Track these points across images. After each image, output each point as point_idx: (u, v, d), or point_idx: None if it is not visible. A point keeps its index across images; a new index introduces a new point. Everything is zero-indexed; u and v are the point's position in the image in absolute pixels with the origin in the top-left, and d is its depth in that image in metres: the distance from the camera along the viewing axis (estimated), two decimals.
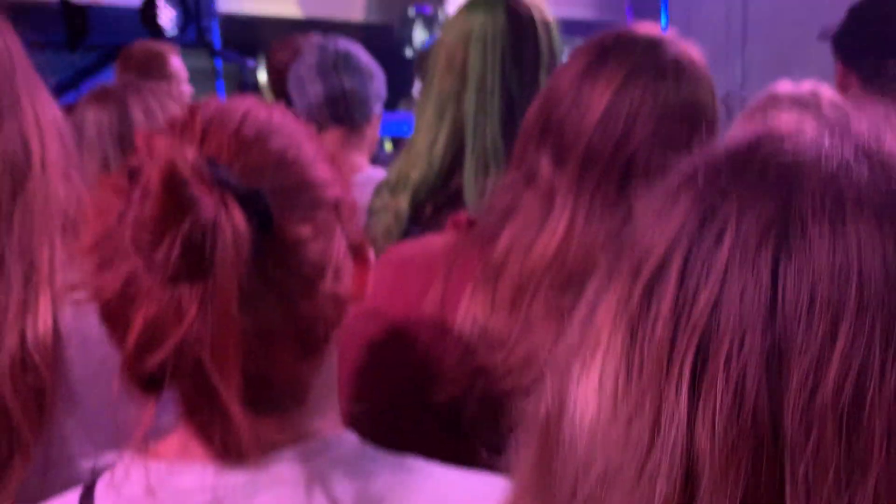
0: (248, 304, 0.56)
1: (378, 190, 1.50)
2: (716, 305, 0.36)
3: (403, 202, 1.36)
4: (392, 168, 1.44)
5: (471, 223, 0.97)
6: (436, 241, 1.00)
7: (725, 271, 0.36)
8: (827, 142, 0.39)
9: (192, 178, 0.54)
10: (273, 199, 0.59)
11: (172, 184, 0.53)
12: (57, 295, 0.80)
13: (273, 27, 8.35)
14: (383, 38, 7.94)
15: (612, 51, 0.92)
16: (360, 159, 1.88)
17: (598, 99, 0.89)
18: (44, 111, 0.87)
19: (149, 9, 4.45)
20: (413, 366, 0.92)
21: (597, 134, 0.88)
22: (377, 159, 2.10)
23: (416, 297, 0.94)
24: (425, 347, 0.91)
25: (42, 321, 0.79)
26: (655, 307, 0.37)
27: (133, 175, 0.57)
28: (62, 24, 5.89)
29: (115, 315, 0.59)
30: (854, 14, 1.55)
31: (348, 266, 0.65)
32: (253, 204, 0.57)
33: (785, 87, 1.17)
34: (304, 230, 0.61)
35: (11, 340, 0.77)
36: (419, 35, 5.77)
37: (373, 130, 1.89)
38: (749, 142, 0.41)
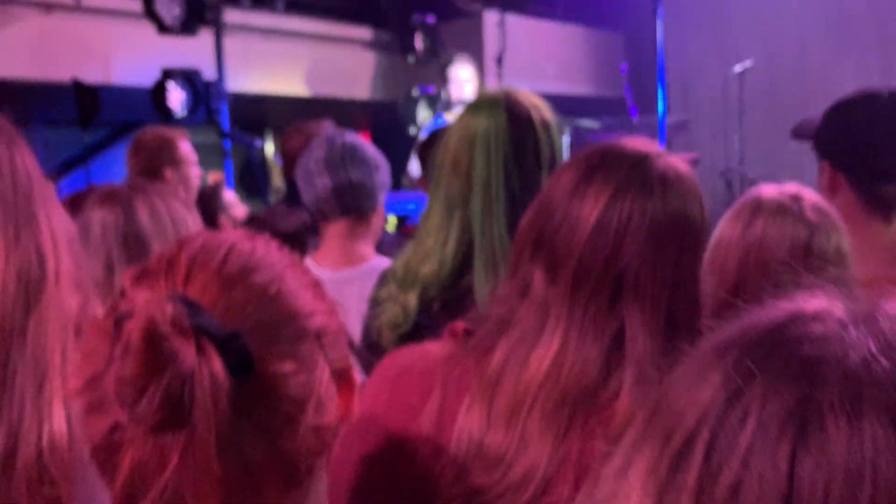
0: (229, 446, 0.58)
1: (383, 280, 1.51)
2: (737, 486, 0.37)
3: (413, 297, 1.37)
4: (399, 260, 1.45)
5: (468, 332, 0.98)
6: (434, 350, 0.99)
7: (748, 454, 0.37)
8: (853, 332, 0.40)
9: (172, 332, 0.56)
10: (254, 337, 0.61)
11: (152, 341, 0.56)
12: (69, 403, 0.81)
13: (281, 104, 8.55)
14: (387, 116, 8.12)
15: (600, 167, 0.94)
16: (367, 249, 1.90)
17: (588, 215, 0.91)
18: (58, 225, 0.90)
19: (159, 91, 4.55)
20: (408, 486, 0.90)
21: (587, 249, 0.90)
22: (381, 242, 2.11)
23: (413, 410, 0.94)
24: (421, 466, 0.90)
25: (57, 431, 0.80)
26: (682, 477, 0.39)
27: (118, 322, 0.59)
28: (74, 102, 6.03)
29: (103, 458, 0.60)
30: (836, 115, 1.49)
31: (332, 394, 0.66)
32: (233, 348, 0.58)
33: (769, 191, 1.20)
34: (286, 366, 0.62)
35: (27, 452, 0.78)
36: (423, 114, 5.89)
37: (378, 218, 1.92)
38: (778, 323, 0.43)
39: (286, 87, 7.79)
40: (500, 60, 6.27)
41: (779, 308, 0.44)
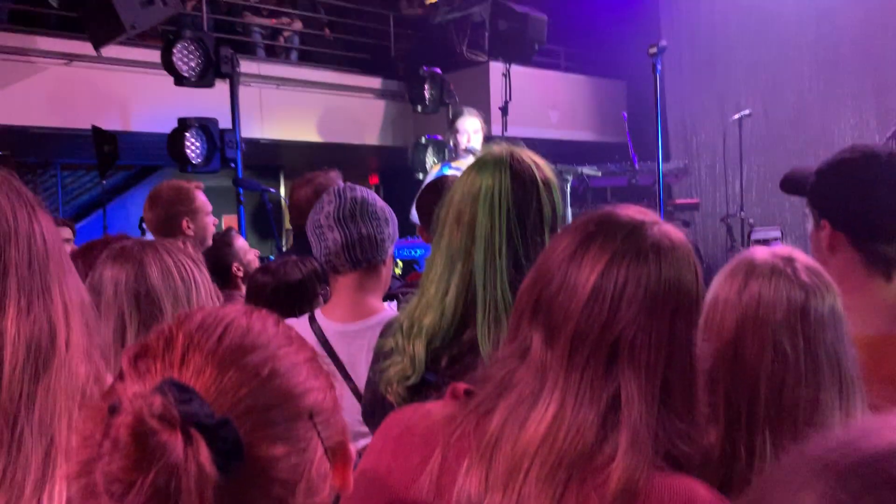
0: None
1: (387, 331, 1.52)
2: None
3: (419, 347, 1.38)
4: (404, 312, 1.46)
5: (468, 393, 1.01)
6: (436, 411, 1.02)
7: None
8: None
9: (159, 426, 0.58)
10: (246, 421, 0.62)
11: (140, 438, 0.57)
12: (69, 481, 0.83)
13: (294, 149, 8.71)
14: (396, 161, 8.24)
15: (597, 235, 0.96)
16: (376, 301, 1.91)
17: (584, 281, 0.93)
18: (71, 294, 0.91)
19: (176, 140, 4.68)
20: None
21: (584, 315, 0.92)
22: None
23: (414, 470, 0.96)
24: None
25: (57, 498, 0.81)
26: None
27: (111, 411, 0.60)
28: (93, 148, 6.17)
29: None
30: (836, 174, 1.45)
31: (325, 472, 0.67)
32: (222, 435, 0.59)
33: (761, 253, 1.20)
34: (277, 450, 0.63)
35: None
36: (430, 160, 5.99)
37: (387, 269, 1.94)
38: (878, 456, 0.42)
39: (299, 134, 7.96)
40: (504, 109, 6.40)
41: (880, 434, 0.43)
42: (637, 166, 6.69)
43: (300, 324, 1.94)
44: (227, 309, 0.70)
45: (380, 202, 1.93)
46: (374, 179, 11.08)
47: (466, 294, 1.38)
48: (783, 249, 1.19)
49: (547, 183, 1.44)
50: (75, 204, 9.65)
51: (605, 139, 8.84)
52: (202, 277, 1.48)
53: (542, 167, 1.46)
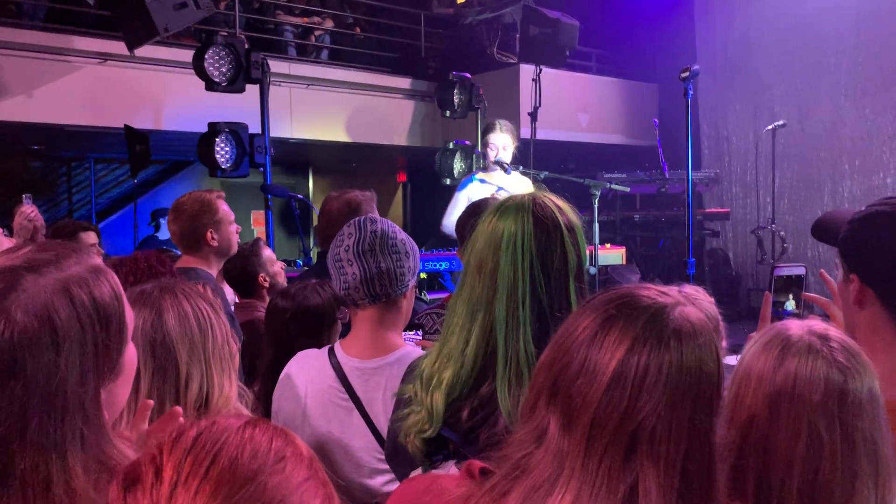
0: None
1: (408, 376, 1.49)
2: None
3: (438, 400, 1.35)
4: (425, 359, 1.43)
5: (484, 472, 0.99)
6: (450, 489, 1.00)
7: None
8: None
9: None
10: None
11: None
12: None
13: (323, 148, 8.72)
14: (424, 161, 8.21)
15: (618, 318, 0.94)
16: (395, 336, 1.89)
17: (605, 367, 0.92)
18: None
19: (207, 146, 4.69)
20: None
21: (603, 403, 0.90)
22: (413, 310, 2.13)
23: None
24: None
25: None
26: None
27: None
28: (125, 144, 6.22)
29: None
30: (867, 229, 1.40)
31: None
32: None
33: (796, 328, 1.15)
34: None
35: None
36: (458, 165, 5.95)
37: (408, 302, 1.91)
38: None
39: (329, 134, 7.95)
40: (534, 115, 6.33)
41: None
42: (667, 174, 6.59)
43: (320, 357, 1.92)
44: (222, 424, 0.68)
45: (401, 235, 1.90)
46: (402, 177, 11.09)
47: (487, 346, 1.35)
48: (818, 325, 1.15)
49: (571, 228, 1.41)
50: (108, 196, 9.77)
51: (636, 143, 8.72)
52: (218, 322, 1.47)
53: (566, 211, 1.43)
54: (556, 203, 1.44)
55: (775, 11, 7.98)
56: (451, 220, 4.68)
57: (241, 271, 3.20)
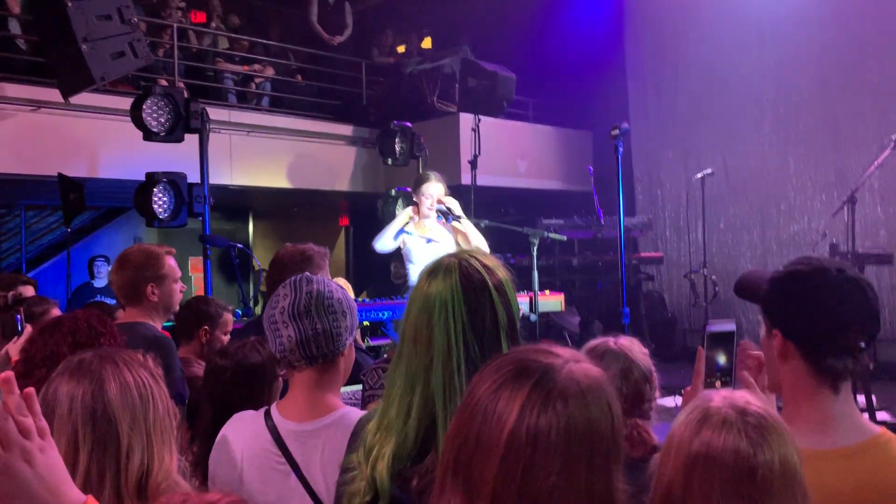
0: None
1: (353, 443, 1.49)
2: None
3: (382, 471, 1.35)
4: (369, 426, 1.43)
5: None
6: None
7: None
8: None
9: None
10: None
11: None
12: None
13: (264, 195, 8.65)
14: (366, 205, 8.22)
15: (505, 386, 0.96)
16: (333, 398, 1.86)
17: (497, 440, 0.93)
18: None
19: (144, 196, 4.60)
20: None
21: (500, 478, 0.91)
22: (357, 363, 2.11)
23: None
24: None
25: None
26: None
27: None
28: (59, 191, 6.05)
29: None
30: (788, 286, 1.47)
31: None
32: None
33: (717, 400, 1.19)
34: None
35: None
36: (400, 211, 5.99)
37: (347, 360, 1.90)
38: None
39: (269, 180, 7.91)
40: (474, 163, 6.44)
41: None
42: (602, 220, 6.76)
43: (256, 420, 1.89)
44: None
45: (338, 293, 1.89)
46: (345, 221, 11.06)
47: (426, 417, 1.36)
48: (740, 398, 1.18)
49: (500, 287, 1.43)
50: (39, 244, 9.44)
51: (573, 188, 8.94)
52: (160, 392, 1.44)
53: (494, 269, 1.45)
54: (483, 262, 1.46)
55: (702, 59, 8.35)
56: (382, 242, 4.76)
57: (184, 324, 3.14)
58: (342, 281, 3.18)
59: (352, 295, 2.07)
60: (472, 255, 1.48)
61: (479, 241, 4.61)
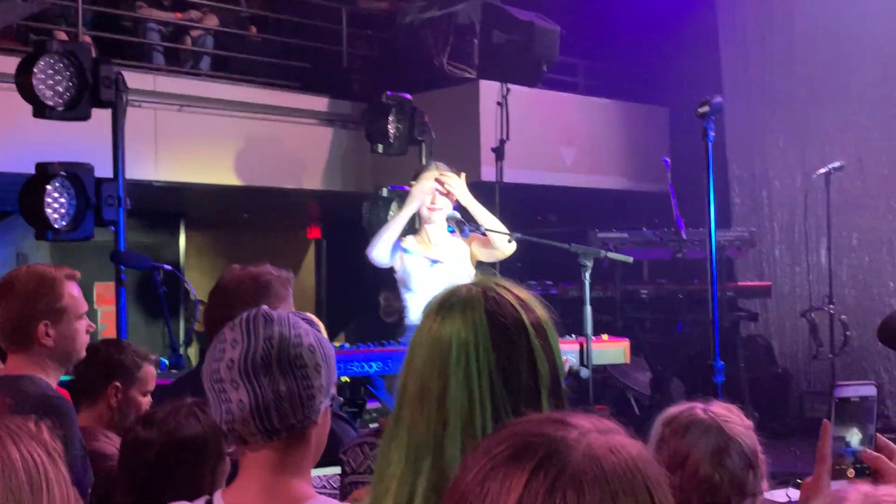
0: None
1: None
2: None
3: None
4: None
5: None
6: None
7: None
8: None
9: None
10: None
11: None
12: None
13: (203, 194, 8.69)
14: (346, 212, 8.24)
15: (498, 468, 0.98)
16: (301, 485, 1.86)
17: None
18: None
19: (33, 196, 4.61)
20: None
21: None
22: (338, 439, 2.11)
23: None
24: None
25: None
26: None
27: None
28: None
29: None
30: None
31: None
32: None
33: (854, 498, 1.20)
34: None
35: None
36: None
37: (319, 433, 1.89)
38: None
39: (210, 175, 7.97)
40: (500, 151, 6.46)
41: None
42: (684, 234, 6.75)
43: None
44: None
45: (309, 337, 1.88)
46: (315, 233, 11.12)
47: None
48: (886, 495, 1.18)
49: (539, 327, 1.45)
50: None
51: (641, 187, 8.94)
52: (57, 475, 1.45)
53: (530, 304, 1.48)
54: (516, 294, 1.48)
55: (827, 16, 8.33)
56: (381, 246, 4.79)
57: (92, 376, 3.16)
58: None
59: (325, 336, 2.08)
60: (500, 284, 1.51)
61: (505, 248, 4.70)
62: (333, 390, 2.00)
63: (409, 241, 4.85)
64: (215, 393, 1.85)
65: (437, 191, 4.72)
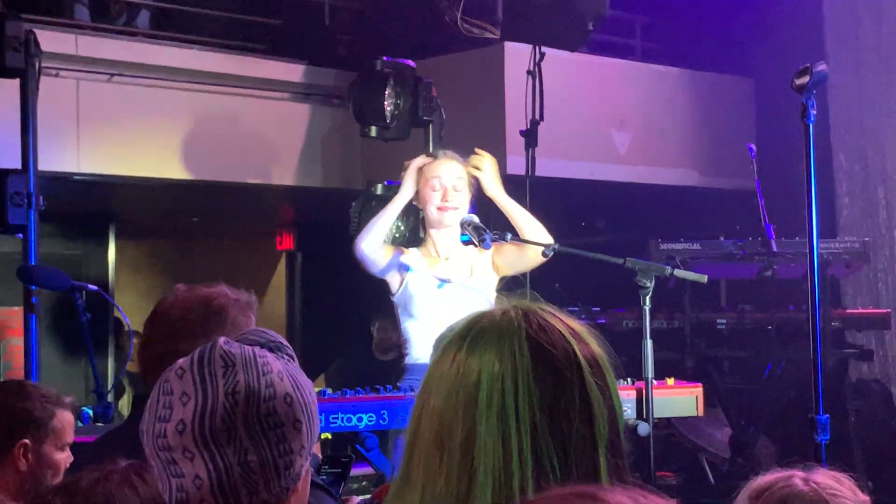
0: None
1: None
2: None
3: None
4: None
5: None
6: None
7: None
8: None
9: None
10: None
11: None
12: None
13: (136, 189, 8.71)
14: (328, 212, 8.23)
15: None
16: None
17: None
18: None
19: None
20: None
21: None
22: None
23: None
24: None
25: None
26: None
27: None
28: None
29: None
30: None
31: None
32: None
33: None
34: None
35: None
36: (392, 225, 6.02)
37: (299, 499, 1.91)
38: None
39: (147, 166, 7.98)
40: (531, 135, 6.46)
41: None
42: (774, 245, 6.74)
43: None
44: None
45: (282, 384, 1.87)
46: (287, 242, 11.14)
47: None
48: None
49: (595, 362, 1.48)
50: None
51: (718, 183, 8.95)
52: None
53: (583, 336, 1.51)
54: (566, 322, 1.51)
55: None
56: (370, 238, 4.87)
57: None
58: None
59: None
60: (545, 309, 1.53)
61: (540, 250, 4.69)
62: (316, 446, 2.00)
63: (412, 255, 4.86)
64: (162, 464, 1.84)
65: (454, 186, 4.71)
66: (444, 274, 4.76)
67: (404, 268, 4.82)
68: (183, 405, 1.82)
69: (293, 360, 1.95)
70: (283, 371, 1.90)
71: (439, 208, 4.77)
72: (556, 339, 1.47)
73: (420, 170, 4.89)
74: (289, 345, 1.97)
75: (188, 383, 1.84)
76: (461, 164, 4.86)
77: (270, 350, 1.92)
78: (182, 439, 1.80)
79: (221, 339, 1.94)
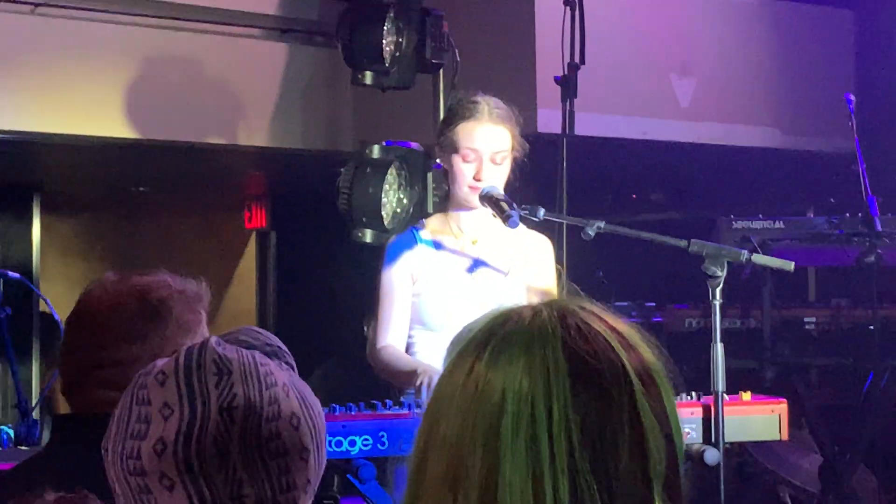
0: None
1: None
2: None
3: None
4: None
5: None
6: None
7: None
8: None
9: None
10: None
11: None
12: None
13: (69, 151, 8.77)
14: (310, 178, 8.28)
15: None
16: None
17: None
18: None
19: None
20: None
21: None
22: None
23: None
24: None
25: None
26: None
27: None
28: None
29: None
30: None
31: None
32: None
33: None
34: None
35: None
36: (390, 198, 6.04)
37: None
38: None
39: (84, 122, 8.07)
40: (570, 83, 6.47)
41: None
42: (878, 222, 6.76)
43: None
44: None
45: (288, 400, 1.91)
46: (258, 220, 11.19)
47: None
48: None
49: (649, 377, 1.50)
50: None
51: (806, 145, 8.98)
52: None
53: (634, 342, 1.53)
54: (612, 325, 1.53)
55: None
56: (387, 336, 4.89)
57: None
58: None
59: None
60: (586, 308, 1.55)
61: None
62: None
63: (428, 231, 4.87)
64: (132, 492, 1.86)
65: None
66: (478, 254, 4.82)
67: (421, 241, 4.89)
68: (164, 419, 1.84)
69: (293, 369, 1.97)
70: (290, 384, 1.92)
71: (471, 187, 4.74)
72: (601, 347, 1.48)
73: (450, 131, 4.86)
74: (288, 351, 1.99)
75: (171, 392, 1.85)
76: (507, 126, 4.83)
77: (268, 356, 1.94)
78: (161, 463, 1.83)
79: (213, 339, 1.95)
